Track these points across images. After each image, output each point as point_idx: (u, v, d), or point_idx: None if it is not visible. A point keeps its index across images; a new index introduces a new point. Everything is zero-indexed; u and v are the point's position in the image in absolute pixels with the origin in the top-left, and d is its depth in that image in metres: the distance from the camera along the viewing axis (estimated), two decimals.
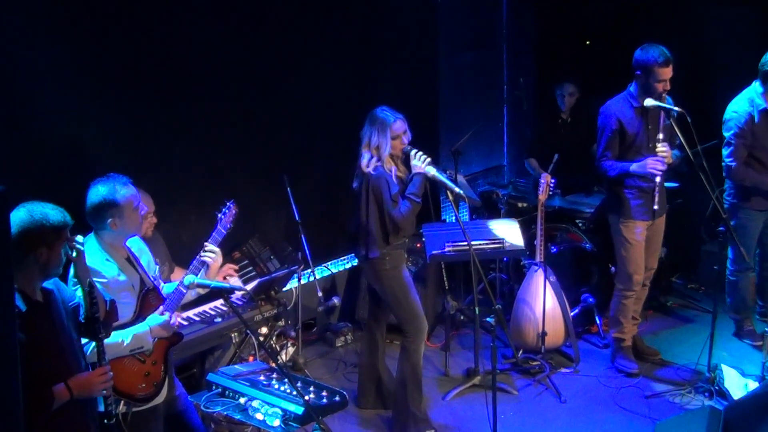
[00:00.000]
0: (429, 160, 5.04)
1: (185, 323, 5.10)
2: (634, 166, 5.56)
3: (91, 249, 3.92)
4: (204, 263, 4.25)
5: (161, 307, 4.07)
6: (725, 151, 5.94)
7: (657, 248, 6.00)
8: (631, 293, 5.91)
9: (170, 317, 4.04)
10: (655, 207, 5.53)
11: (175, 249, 5.46)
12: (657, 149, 5.46)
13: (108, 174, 3.97)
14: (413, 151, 5.07)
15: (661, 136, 5.42)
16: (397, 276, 5.24)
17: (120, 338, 3.86)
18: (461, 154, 6.88)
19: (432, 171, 4.99)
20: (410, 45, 7.32)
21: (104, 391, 3.50)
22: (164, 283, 4.35)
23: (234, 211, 4.47)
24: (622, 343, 6.05)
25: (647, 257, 5.89)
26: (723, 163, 5.97)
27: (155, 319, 4.01)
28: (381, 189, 5.09)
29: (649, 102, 5.35)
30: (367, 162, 5.12)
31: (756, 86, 5.84)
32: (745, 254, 5.80)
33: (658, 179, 5.51)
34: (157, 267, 4.38)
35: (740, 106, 5.89)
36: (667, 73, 5.41)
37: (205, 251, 4.25)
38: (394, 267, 5.23)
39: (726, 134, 5.95)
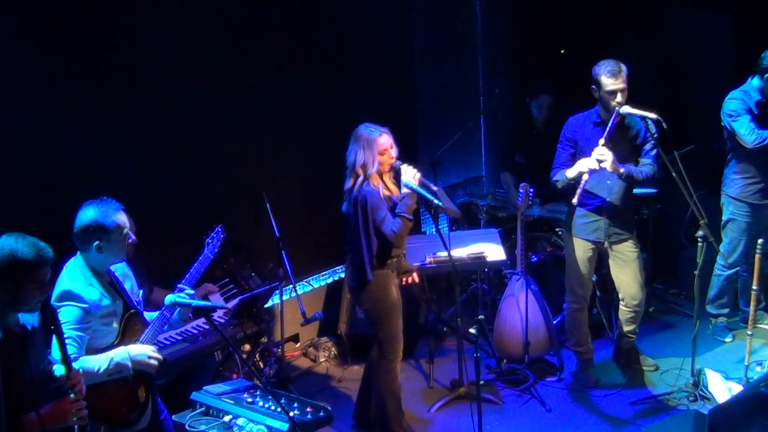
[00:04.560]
0: (419, 174, 5.00)
1: (167, 343, 5.08)
2: (569, 170, 5.47)
3: (73, 272, 3.91)
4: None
5: (145, 337, 4.03)
6: (741, 128, 5.86)
7: (631, 277, 5.76)
8: (577, 305, 5.90)
9: (154, 349, 3.98)
10: (574, 201, 5.34)
11: (154, 269, 5.43)
12: (594, 151, 5.29)
13: (102, 197, 3.95)
14: (403, 166, 5.01)
15: (602, 141, 5.27)
16: (384, 298, 5.15)
17: (97, 364, 3.81)
18: (440, 165, 6.90)
19: (411, 184, 4.96)
20: (387, 58, 7.34)
21: (78, 420, 3.37)
22: (145, 310, 4.30)
23: (222, 236, 4.46)
24: (582, 357, 6.04)
25: (622, 284, 5.82)
26: (741, 139, 5.90)
27: (137, 349, 3.95)
28: (375, 207, 4.98)
29: (625, 110, 5.35)
30: (354, 182, 5.03)
31: (754, 81, 5.93)
32: (722, 255, 5.84)
33: (585, 176, 5.31)
34: (141, 291, 4.34)
35: (738, 96, 5.95)
36: (616, 84, 5.31)
37: (179, 294, 4.11)
38: (380, 287, 5.13)
39: (730, 113, 5.92)
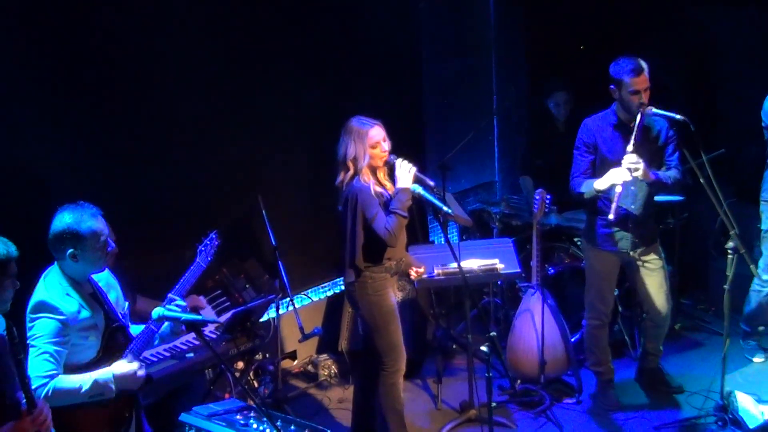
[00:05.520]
0: (415, 169, 5.08)
1: (154, 359, 5.09)
2: (597, 181, 5.47)
3: (50, 282, 3.92)
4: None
5: (129, 354, 4.03)
6: None
7: (656, 290, 5.80)
8: (597, 322, 5.92)
9: (139, 367, 3.98)
10: (611, 216, 5.33)
11: (140, 279, 5.45)
12: (623, 160, 5.29)
13: (78, 201, 3.96)
14: (398, 161, 5.09)
15: (630, 148, 5.28)
16: (379, 302, 5.23)
17: (78, 383, 3.81)
18: (449, 170, 6.94)
19: (418, 189, 5.04)
20: (392, 54, 7.36)
21: None
22: (132, 323, 4.33)
23: (216, 243, 4.48)
24: (602, 377, 6.07)
25: (646, 298, 5.85)
26: None
27: (122, 367, 3.94)
28: (366, 203, 5.06)
29: (650, 111, 5.34)
30: (345, 177, 5.13)
31: None
32: (755, 270, 5.86)
33: (618, 189, 5.32)
34: (127, 304, 4.34)
35: None
36: (640, 83, 5.32)
37: (170, 306, 4.12)
38: (377, 292, 5.21)
39: None
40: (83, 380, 3.83)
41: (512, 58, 8.71)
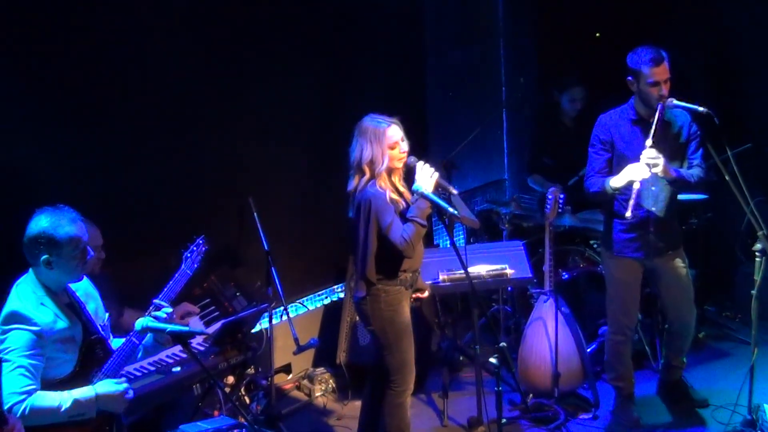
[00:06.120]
0: (437, 174, 4.99)
1: (137, 374, 5.06)
2: (613, 179, 5.43)
3: (24, 291, 3.91)
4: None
5: (102, 374, 4.00)
6: None
7: (680, 297, 5.79)
8: (620, 337, 5.86)
9: (127, 389, 3.97)
10: (628, 215, 5.30)
11: (124, 288, 5.44)
12: (642, 155, 5.26)
13: (56, 204, 3.95)
14: (419, 164, 5.01)
15: (649, 142, 5.25)
16: (393, 317, 5.16)
17: (57, 402, 3.79)
18: (455, 168, 6.92)
19: (420, 188, 4.96)
20: (393, 42, 7.36)
21: None
22: (115, 336, 4.30)
23: (204, 249, 4.47)
24: (622, 392, 6.01)
25: (670, 306, 5.84)
26: None
27: (106, 385, 3.93)
28: (381, 210, 4.98)
29: (671, 103, 5.33)
30: (359, 182, 5.05)
31: None
32: None
33: (636, 186, 5.28)
34: (107, 315, 4.32)
35: None
36: (660, 73, 5.29)
37: (156, 312, 4.13)
38: (390, 306, 5.14)
39: None
40: (63, 399, 3.81)
41: (522, 47, 8.71)
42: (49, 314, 3.89)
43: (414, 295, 5.42)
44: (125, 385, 3.98)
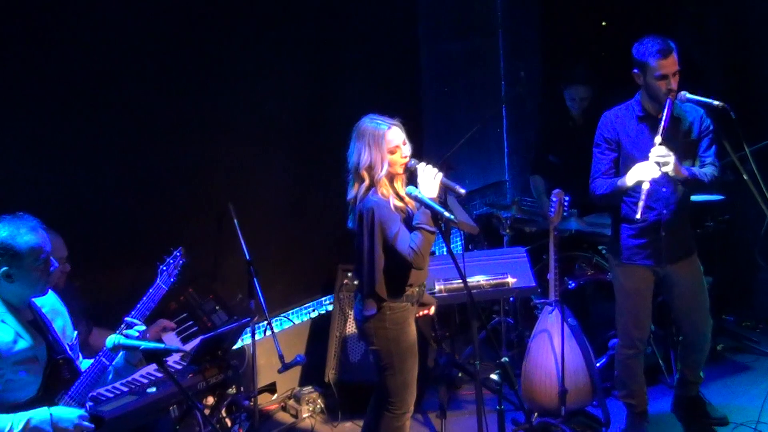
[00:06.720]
0: (441, 175, 4.96)
1: (109, 395, 5.03)
2: (621, 180, 5.43)
3: None
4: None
5: (74, 389, 4.00)
6: None
7: (695, 306, 5.78)
8: (631, 351, 5.86)
9: (84, 417, 3.94)
10: (637, 216, 5.29)
11: (94, 304, 5.43)
12: (651, 153, 5.26)
13: (16, 212, 3.95)
14: (420, 165, 4.97)
15: (658, 139, 5.24)
16: (398, 337, 5.12)
17: (8, 424, 3.77)
18: (452, 169, 6.90)
19: (414, 192, 4.92)
20: (385, 33, 7.36)
21: None
22: (84, 356, 4.27)
23: (181, 262, 4.47)
24: (634, 410, 6.01)
25: (685, 316, 5.83)
26: None
27: (63, 411, 3.91)
28: (385, 219, 4.93)
29: (682, 97, 5.32)
30: (359, 190, 5.01)
31: None
32: None
33: (646, 186, 5.27)
34: (75, 333, 4.31)
35: None
36: (668, 66, 5.27)
37: (127, 331, 4.13)
38: (396, 325, 5.10)
39: None
40: (14, 420, 3.79)
41: (523, 37, 8.75)
42: (9, 332, 3.89)
43: (420, 312, 5.37)
44: (82, 411, 3.95)
